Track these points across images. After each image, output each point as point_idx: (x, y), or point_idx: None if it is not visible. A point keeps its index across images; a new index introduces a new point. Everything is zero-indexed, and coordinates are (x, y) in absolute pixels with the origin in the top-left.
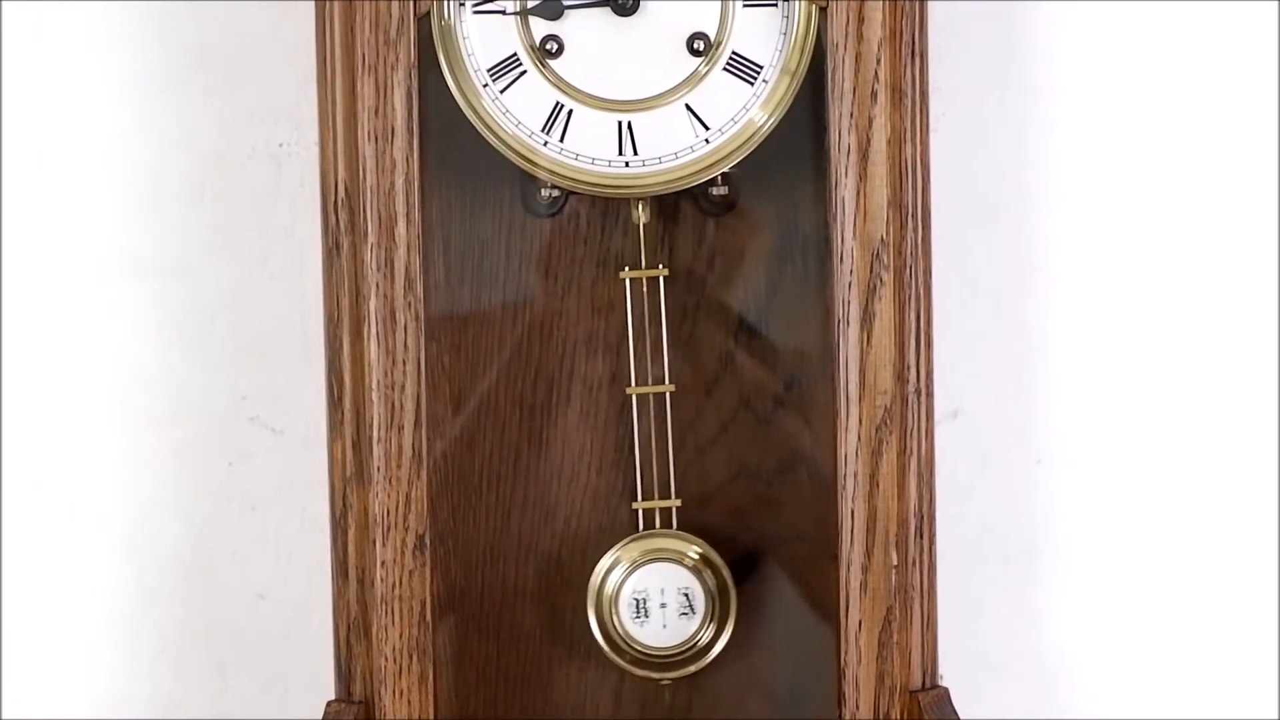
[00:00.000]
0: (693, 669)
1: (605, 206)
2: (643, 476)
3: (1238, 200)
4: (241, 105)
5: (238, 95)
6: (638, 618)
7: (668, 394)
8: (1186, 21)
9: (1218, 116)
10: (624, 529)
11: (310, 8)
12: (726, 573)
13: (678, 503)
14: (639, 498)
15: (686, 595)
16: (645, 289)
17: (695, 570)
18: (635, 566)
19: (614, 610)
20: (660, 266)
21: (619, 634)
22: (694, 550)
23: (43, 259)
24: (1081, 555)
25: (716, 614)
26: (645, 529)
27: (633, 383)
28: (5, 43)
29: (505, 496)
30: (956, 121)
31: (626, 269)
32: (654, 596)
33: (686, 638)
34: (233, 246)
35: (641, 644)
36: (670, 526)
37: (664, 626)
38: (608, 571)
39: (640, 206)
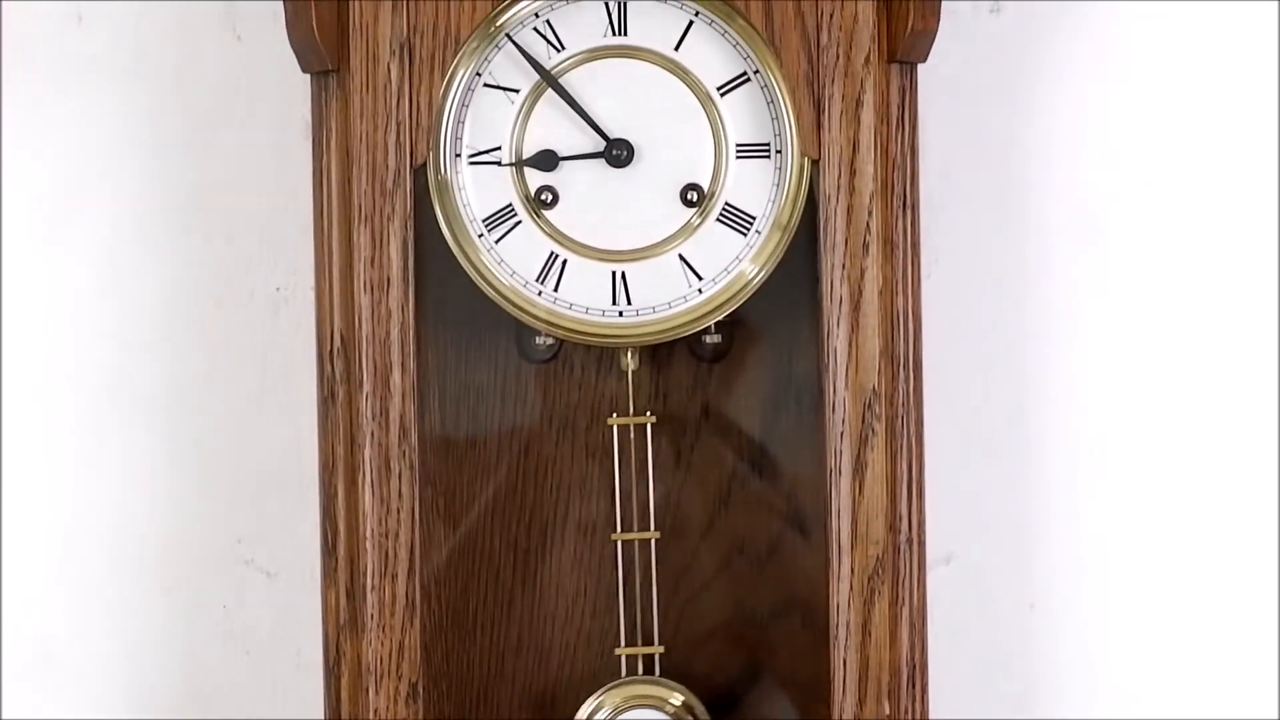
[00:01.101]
0: None
1: (600, 352)
2: (627, 622)
3: (1232, 344)
4: (241, 249)
5: (237, 239)
6: None
7: (653, 541)
8: (1180, 164)
9: (1217, 261)
10: (616, 673)
11: (308, 153)
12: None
13: (661, 649)
14: (623, 643)
15: None
16: (633, 435)
17: (677, 718)
18: (618, 712)
19: None
20: (648, 414)
21: None
22: (676, 697)
23: (40, 400)
24: (1076, 701)
25: None
26: (630, 674)
27: (618, 529)
28: (5, 182)
29: (499, 640)
30: (950, 267)
31: (615, 415)
32: None
33: None
34: (230, 389)
35: None
36: (655, 672)
37: None
38: (590, 717)
39: (629, 353)
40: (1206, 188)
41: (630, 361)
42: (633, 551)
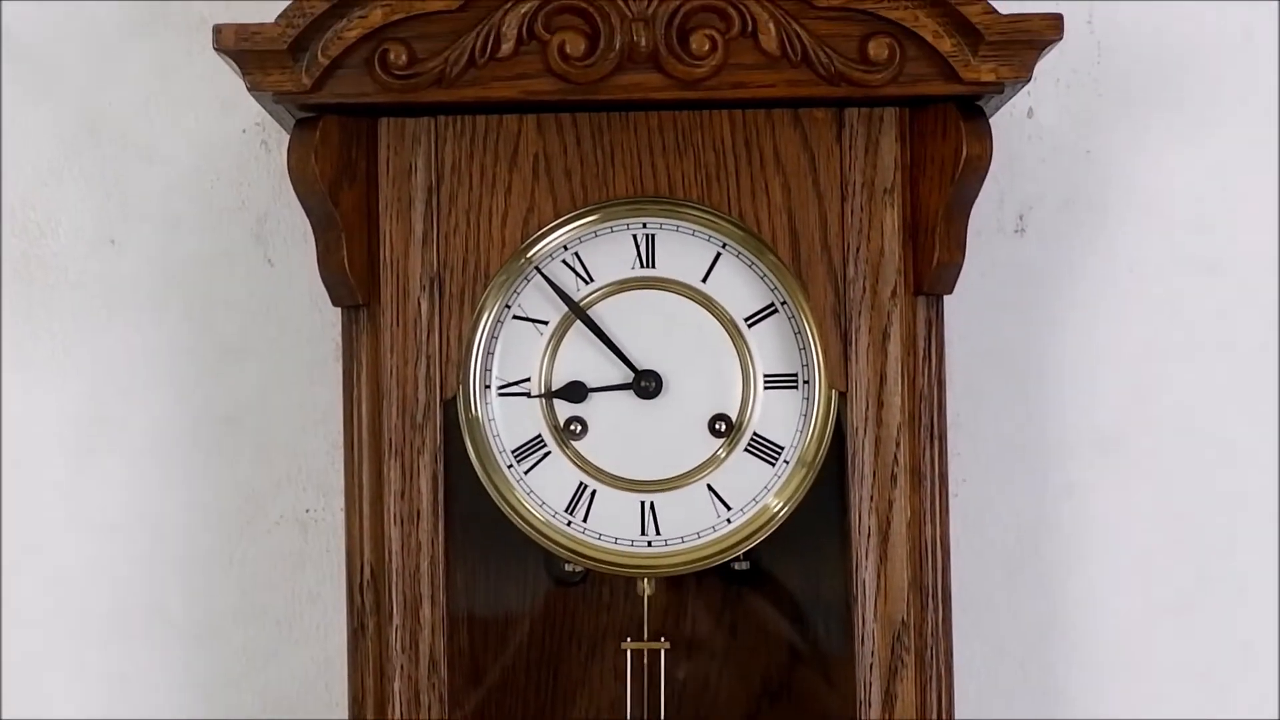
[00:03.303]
0: None
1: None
2: None
3: (1255, 557)
4: (270, 472)
5: (266, 462)
6: None
7: None
8: (1200, 382)
9: (1239, 478)
10: None
11: (339, 375)
12: None
13: None
14: None
15: None
16: (646, 660)
17: None
18: None
19: None
20: (662, 640)
21: None
22: None
23: (69, 621)
24: None
25: None
26: None
27: None
28: (38, 404)
29: None
30: (976, 487)
31: (629, 640)
32: None
33: None
34: (260, 610)
35: None
36: None
37: None
38: None
39: (646, 579)
40: (1227, 405)
41: (647, 587)
42: None
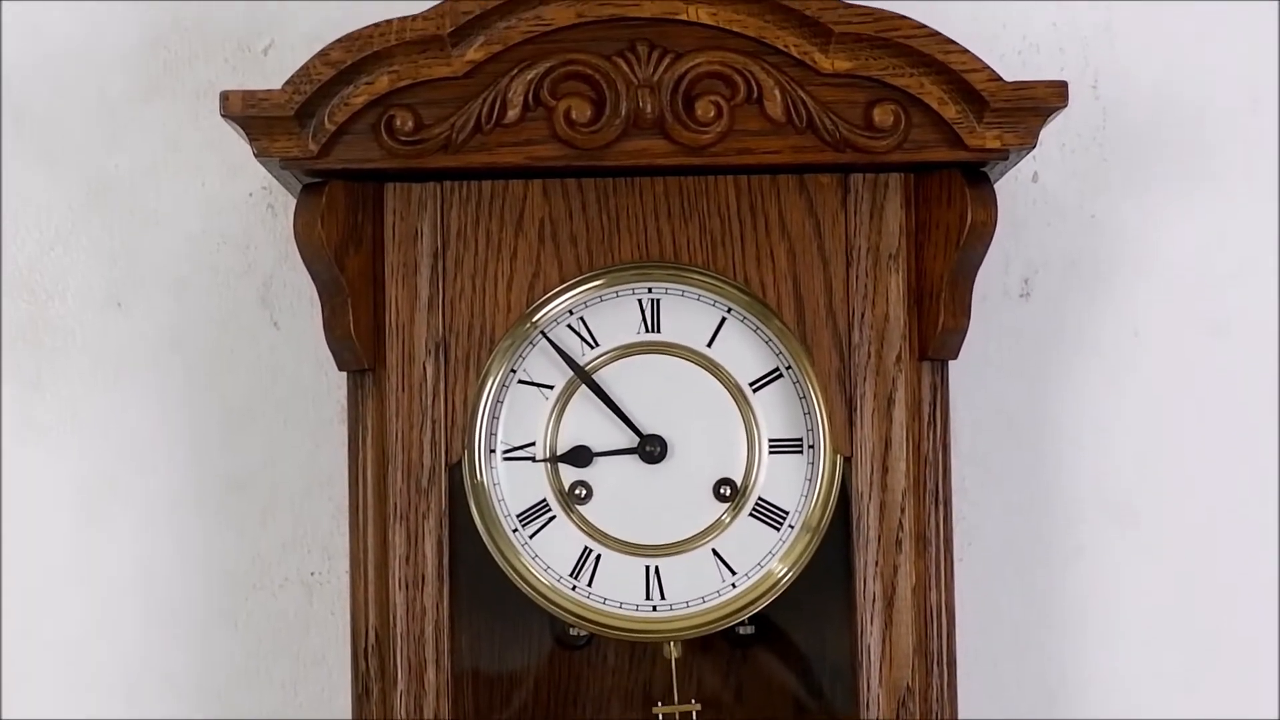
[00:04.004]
0: None
1: None
2: None
3: (1258, 618)
4: (275, 535)
5: (271, 525)
6: None
7: None
8: (1206, 445)
9: (1240, 541)
10: None
11: (344, 439)
12: None
13: None
14: None
15: None
16: None
17: None
18: None
19: None
20: (693, 702)
21: None
22: None
23: (77, 680)
24: None
25: None
26: None
27: None
28: (47, 466)
29: None
30: (982, 552)
31: (660, 704)
32: None
33: None
34: (265, 674)
35: None
36: None
37: None
38: None
39: (673, 642)
40: (1235, 468)
41: (674, 650)
42: None
